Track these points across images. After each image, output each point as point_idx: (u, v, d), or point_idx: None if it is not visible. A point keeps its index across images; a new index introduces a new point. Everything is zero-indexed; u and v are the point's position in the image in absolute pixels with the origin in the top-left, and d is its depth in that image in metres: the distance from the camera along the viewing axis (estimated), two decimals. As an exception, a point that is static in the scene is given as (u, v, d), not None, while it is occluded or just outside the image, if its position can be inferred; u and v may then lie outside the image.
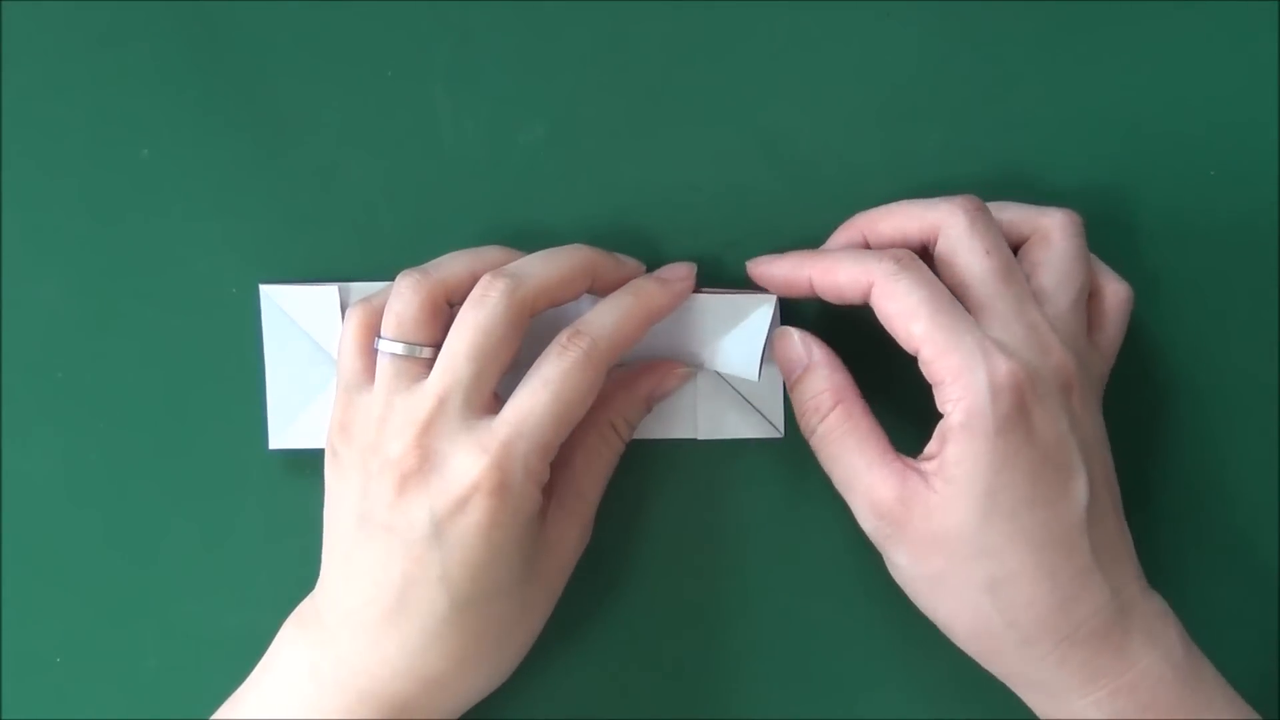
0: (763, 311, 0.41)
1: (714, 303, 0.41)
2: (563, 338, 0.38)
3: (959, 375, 0.36)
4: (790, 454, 0.43)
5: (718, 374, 0.43)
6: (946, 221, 0.38)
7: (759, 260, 0.41)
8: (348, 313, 0.40)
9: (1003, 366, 0.36)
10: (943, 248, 0.39)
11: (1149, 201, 0.43)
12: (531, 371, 0.38)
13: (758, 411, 0.43)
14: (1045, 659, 0.37)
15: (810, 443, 0.40)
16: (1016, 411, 0.36)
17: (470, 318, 0.38)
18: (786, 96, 0.43)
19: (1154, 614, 0.38)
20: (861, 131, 0.43)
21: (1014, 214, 0.40)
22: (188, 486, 0.44)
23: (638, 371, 0.42)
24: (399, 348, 0.38)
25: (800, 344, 0.40)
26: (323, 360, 0.43)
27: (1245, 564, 0.44)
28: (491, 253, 0.40)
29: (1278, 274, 0.43)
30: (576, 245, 0.40)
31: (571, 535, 0.40)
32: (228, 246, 0.43)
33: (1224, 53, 0.43)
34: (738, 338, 0.41)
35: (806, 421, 0.40)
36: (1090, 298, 0.40)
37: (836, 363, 0.40)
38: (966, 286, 0.38)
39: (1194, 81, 0.43)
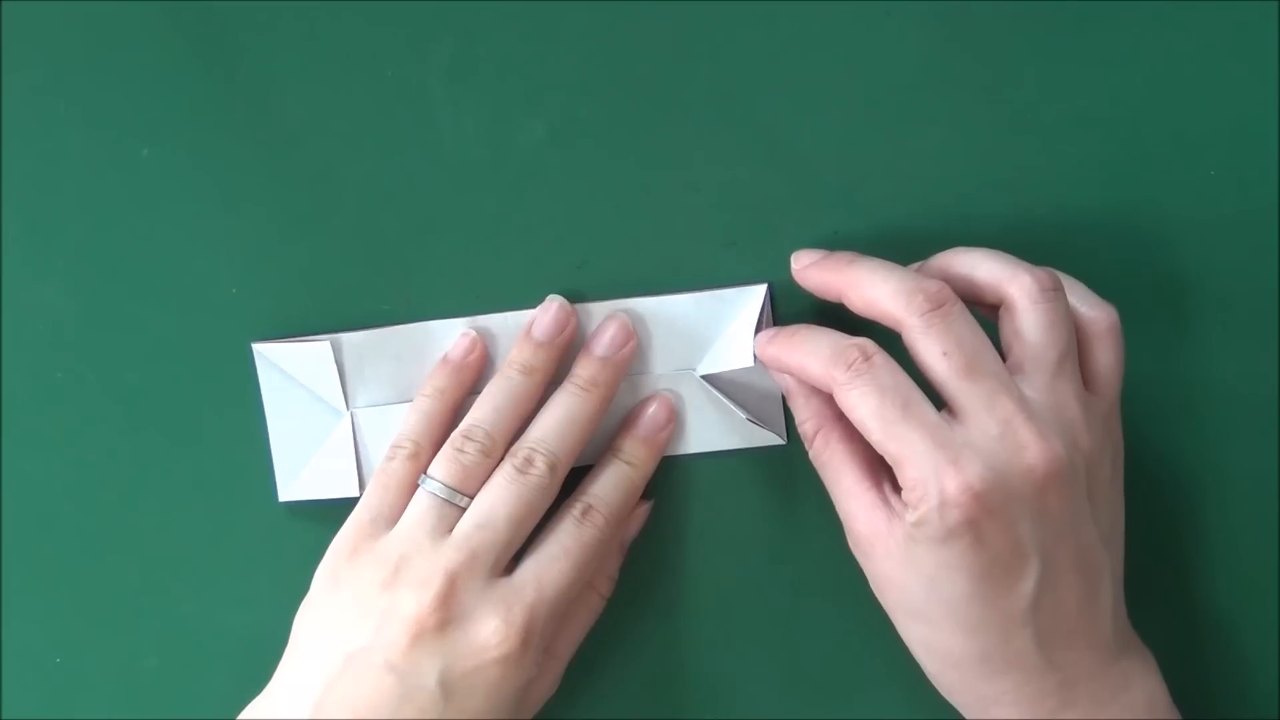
0: (753, 302, 0.41)
1: (705, 300, 0.42)
2: (575, 510, 0.41)
3: (913, 487, 0.36)
4: (790, 457, 0.43)
5: (717, 391, 0.43)
6: (903, 322, 0.37)
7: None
8: (403, 446, 0.41)
9: (953, 483, 0.35)
10: (906, 343, 0.37)
11: (1149, 201, 0.43)
12: (547, 536, 0.40)
13: (757, 424, 0.43)
14: (971, 708, 0.39)
15: None
16: (964, 525, 0.35)
17: (516, 489, 0.40)
18: (786, 96, 0.43)
19: (1113, 683, 0.38)
20: (861, 131, 0.43)
21: (983, 275, 0.39)
22: (188, 486, 0.44)
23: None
24: (445, 492, 0.40)
25: (775, 372, 0.41)
26: (322, 410, 0.43)
27: (1245, 565, 0.44)
28: (526, 389, 0.41)
29: (1278, 274, 0.43)
30: (576, 389, 0.42)
31: (542, 688, 0.41)
32: (228, 246, 0.43)
33: (1224, 53, 0.43)
34: (732, 334, 0.41)
35: (806, 445, 0.41)
36: (1078, 336, 0.39)
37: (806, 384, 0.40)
38: (935, 385, 0.37)
39: (1194, 81, 0.43)
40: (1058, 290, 0.38)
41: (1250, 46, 0.43)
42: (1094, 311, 0.39)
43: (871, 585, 0.39)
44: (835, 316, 0.41)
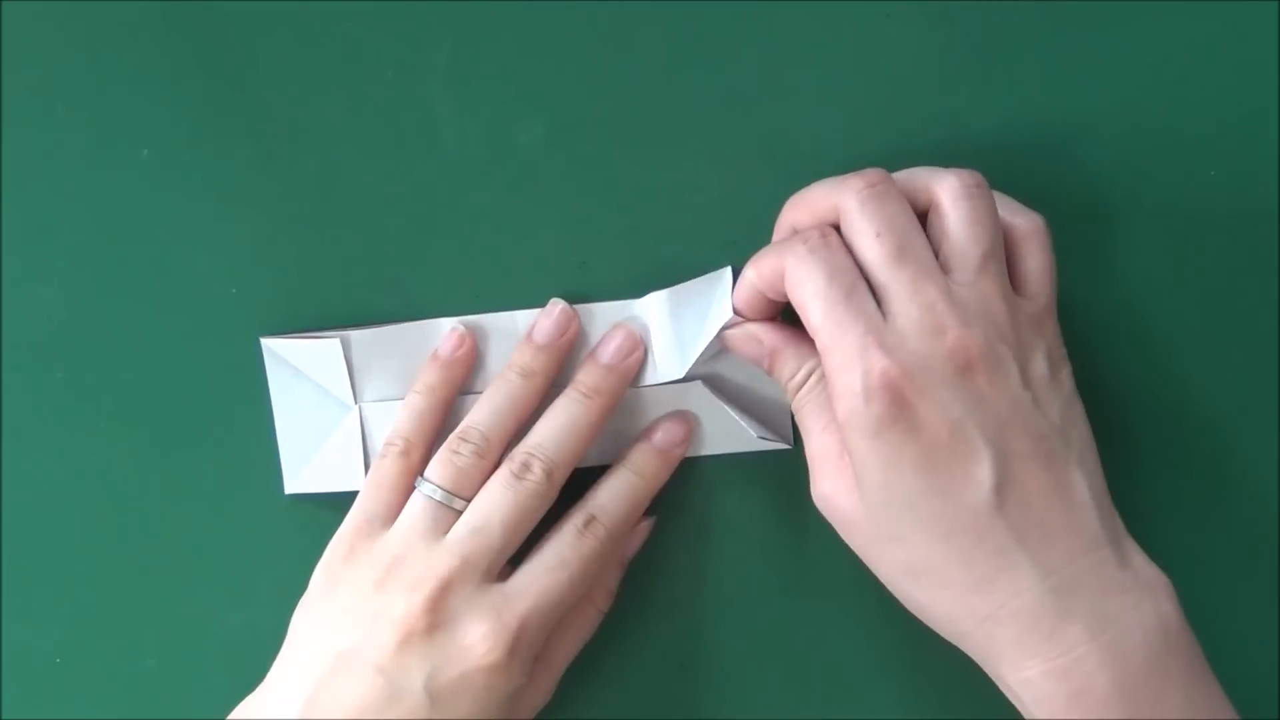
0: (724, 284, 0.41)
1: (681, 293, 0.42)
2: (577, 520, 0.41)
3: (837, 375, 0.36)
4: (795, 459, 0.43)
5: (721, 397, 0.43)
6: (841, 204, 0.38)
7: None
8: (394, 443, 0.41)
9: (877, 366, 0.35)
10: (844, 231, 0.38)
11: (1149, 201, 0.43)
12: (546, 545, 0.40)
13: (763, 426, 0.43)
14: (972, 635, 0.37)
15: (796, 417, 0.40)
16: (894, 410, 0.35)
17: (512, 495, 0.40)
18: (786, 96, 0.43)
19: (1115, 594, 0.36)
20: (861, 131, 0.43)
21: (915, 183, 0.39)
22: (187, 486, 0.44)
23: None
24: (441, 495, 0.40)
25: (752, 341, 0.40)
26: (329, 404, 0.43)
27: (1244, 564, 0.44)
28: (525, 391, 0.41)
29: (1278, 274, 0.43)
30: (578, 395, 0.41)
31: (535, 697, 0.41)
32: (228, 246, 0.43)
33: (1224, 53, 0.43)
34: (714, 315, 0.41)
35: (790, 397, 0.40)
36: (1006, 242, 0.39)
37: (792, 336, 0.39)
38: (867, 271, 0.37)
39: (1194, 81, 0.43)
40: (980, 187, 0.38)
41: (1250, 46, 0.43)
42: (1019, 218, 0.39)
43: (844, 537, 0.38)
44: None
